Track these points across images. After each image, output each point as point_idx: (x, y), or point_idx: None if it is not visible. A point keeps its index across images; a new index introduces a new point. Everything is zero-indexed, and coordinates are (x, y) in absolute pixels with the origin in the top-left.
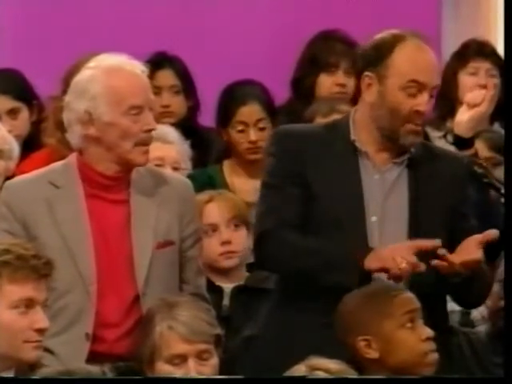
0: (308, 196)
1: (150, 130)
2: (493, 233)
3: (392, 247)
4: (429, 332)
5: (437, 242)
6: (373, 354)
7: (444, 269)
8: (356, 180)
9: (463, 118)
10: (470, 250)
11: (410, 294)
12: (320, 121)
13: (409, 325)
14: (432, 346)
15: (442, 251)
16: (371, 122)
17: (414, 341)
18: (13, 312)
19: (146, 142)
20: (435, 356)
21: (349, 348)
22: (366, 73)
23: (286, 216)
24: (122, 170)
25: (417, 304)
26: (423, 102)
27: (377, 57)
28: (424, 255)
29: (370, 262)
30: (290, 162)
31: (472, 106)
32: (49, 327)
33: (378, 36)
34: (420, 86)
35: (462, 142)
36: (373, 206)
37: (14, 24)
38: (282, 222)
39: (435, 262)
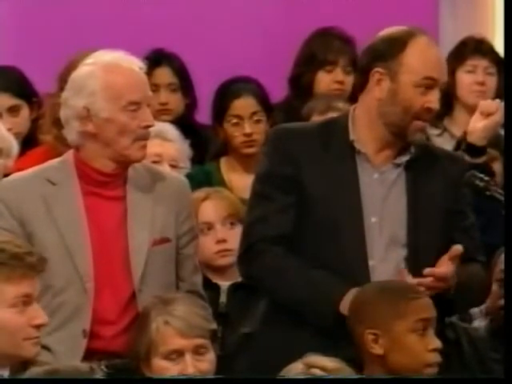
0: (302, 200)
1: (148, 126)
2: (457, 248)
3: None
4: (437, 344)
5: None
6: (377, 349)
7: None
8: (354, 180)
9: (477, 126)
10: (442, 265)
11: (429, 301)
12: (316, 118)
13: (420, 332)
14: (436, 358)
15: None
16: (377, 118)
17: (421, 349)
18: (11, 311)
19: (143, 138)
20: (435, 369)
21: (355, 338)
22: (377, 69)
23: (273, 228)
24: (118, 167)
25: (433, 313)
26: (435, 99)
27: (388, 53)
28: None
29: (345, 308)
30: (284, 165)
31: (486, 114)
32: (48, 322)
33: (387, 32)
34: (433, 83)
35: (474, 150)
36: (372, 206)
37: (14, 21)
38: (268, 235)
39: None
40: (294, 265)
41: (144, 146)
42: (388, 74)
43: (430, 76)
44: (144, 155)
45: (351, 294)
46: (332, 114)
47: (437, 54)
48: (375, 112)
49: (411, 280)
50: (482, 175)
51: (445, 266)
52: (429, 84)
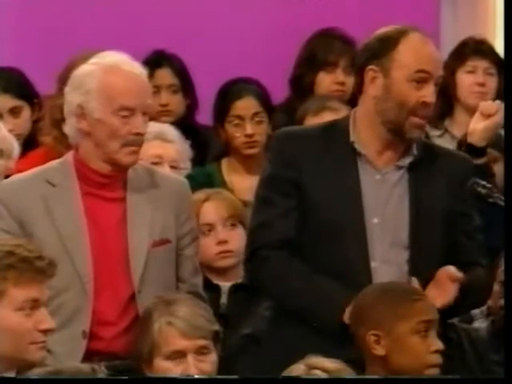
0: (305, 203)
1: (138, 134)
2: (460, 275)
3: None
4: (439, 345)
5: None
6: (380, 350)
7: None
8: (355, 182)
9: (477, 127)
10: (445, 287)
11: (431, 303)
12: (311, 119)
13: (422, 333)
14: (438, 359)
15: (415, 283)
16: (375, 117)
17: (423, 350)
18: (18, 314)
19: (133, 144)
20: (437, 371)
21: (357, 339)
22: (371, 66)
23: (276, 232)
24: (115, 169)
25: (435, 315)
26: (430, 93)
27: (381, 50)
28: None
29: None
30: (286, 168)
31: (486, 115)
32: (54, 327)
33: (380, 31)
34: (426, 76)
35: (474, 151)
36: (374, 207)
37: (15, 22)
38: (272, 240)
39: None
40: (299, 272)
41: (134, 152)
42: (381, 71)
43: (422, 69)
44: (134, 161)
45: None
46: (327, 114)
47: (429, 49)
48: (373, 111)
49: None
50: (484, 182)
51: (448, 291)
52: (422, 77)
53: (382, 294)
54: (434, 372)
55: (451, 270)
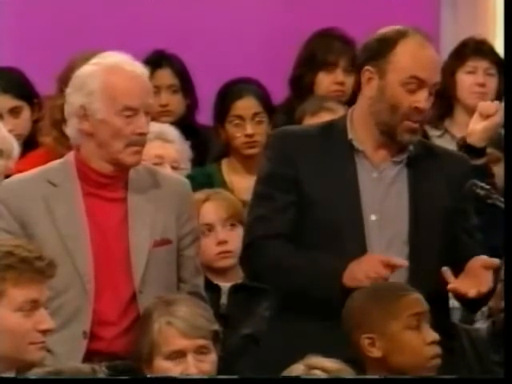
0: (303, 200)
1: (141, 134)
2: (496, 262)
3: (364, 262)
4: (434, 336)
5: (405, 262)
6: (376, 352)
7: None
8: (353, 179)
9: (476, 127)
10: (481, 276)
11: (418, 296)
12: (309, 120)
13: (414, 327)
14: (436, 350)
15: (448, 273)
16: (370, 118)
17: (419, 343)
18: (17, 314)
19: (137, 144)
20: (438, 361)
21: (352, 344)
22: (367, 67)
23: (274, 226)
24: (117, 169)
25: (425, 307)
26: (422, 99)
27: (379, 51)
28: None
29: (347, 281)
30: (284, 166)
31: (485, 116)
32: (54, 328)
33: (381, 31)
34: (420, 83)
35: (474, 152)
36: (372, 204)
37: (15, 23)
38: (269, 232)
39: (449, 288)
40: (295, 252)
41: (138, 152)
42: (377, 72)
43: (416, 75)
44: (137, 161)
45: (351, 266)
46: (324, 115)
47: (427, 54)
48: (367, 112)
49: (453, 281)
50: (482, 184)
51: (486, 280)
52: (416, 83)
53: (370, 297)
54: (435, 363)
55: (485, 257)
